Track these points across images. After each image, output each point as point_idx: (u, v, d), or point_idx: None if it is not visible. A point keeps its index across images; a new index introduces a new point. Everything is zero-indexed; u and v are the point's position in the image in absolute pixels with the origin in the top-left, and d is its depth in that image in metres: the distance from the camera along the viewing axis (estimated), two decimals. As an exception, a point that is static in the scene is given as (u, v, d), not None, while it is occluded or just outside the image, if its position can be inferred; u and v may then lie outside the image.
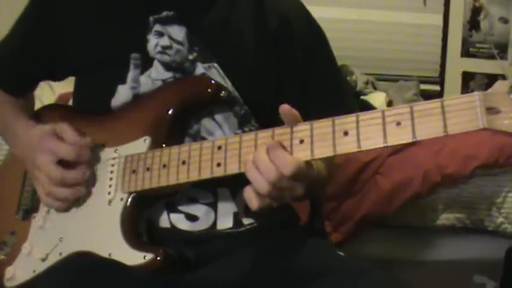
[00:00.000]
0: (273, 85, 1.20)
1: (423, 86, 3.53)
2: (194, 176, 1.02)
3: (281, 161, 0.90)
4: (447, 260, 2.53)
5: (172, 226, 1.15)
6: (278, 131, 0.94)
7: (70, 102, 1.33)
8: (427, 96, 3.38)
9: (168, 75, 1.16)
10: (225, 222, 1.17)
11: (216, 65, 1.17)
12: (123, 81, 1.16)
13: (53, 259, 1.15)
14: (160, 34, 1.16)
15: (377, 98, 3.05)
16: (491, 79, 3.61)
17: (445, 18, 3.69)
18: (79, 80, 1.27)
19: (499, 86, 0.77)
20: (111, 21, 1.19)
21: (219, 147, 0.99)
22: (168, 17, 1.17)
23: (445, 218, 2.50)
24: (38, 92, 1.40)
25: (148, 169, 1.08)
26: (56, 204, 1.15)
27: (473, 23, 3.65)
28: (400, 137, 0.83)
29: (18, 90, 1.31)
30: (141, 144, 1.12)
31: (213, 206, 1.16)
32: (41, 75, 1.31)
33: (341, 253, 1.20)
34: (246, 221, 1.19)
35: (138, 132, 1.13)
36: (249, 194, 0.93)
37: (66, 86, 1.44)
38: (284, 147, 0.91)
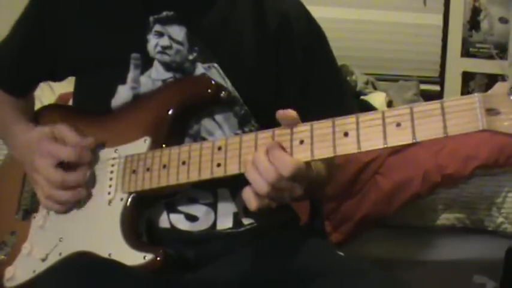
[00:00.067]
0: (273, 85, 1.20)
1: (423, 86, 3.53)
2: (194, 177, 1.02)
3: (280, 162, 0.90)
4: (447, 260, 2.54)
5: (172, 226, 1.15)
6: (278, 131, 0.94)
7: (70, 102, 1.33)
8: (427, 96, 3.38)
9: (168, 75, 1.16)
10: (225, 223, 1.17)
11: (216, 65, 1.17)
12: (123, 82, 1.16)
13: (52, 259, 1.15)
14: (160, 34, 1.17)
15: (377, 98, 3.05)
16: (491, 79, 3.61)
17: (445, 18, 3.69)
18: (79, 80, 1.27)
19: (499, 87, 0.77)
20: (111, 21, 1.19)
21: (219, 148, 0.99)
22: (168, 17, 1.17)
23: (445, 218, 2.50)
24: (38, 92, 1.40)
25: (148, 169, 1.08)
26: (56, 207, 1.15)
27: (473, 23, 3.66)
28: (400, 138, 0.83)
29: (18, 90, 1.31)
30: (141, 145, 1.12)
31: (213, 206, 1.16)
32: (41, 75, 1.31)
33: (341, 253, 1.20)
34: (246, 221, 1.19)
35: (138, 133, 1.13)
36: (247, 194, 0.93)
37: (66, 86, 1.44)
38: (283, 148, 0.91)
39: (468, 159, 2.43)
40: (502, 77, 3.46)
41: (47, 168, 1.13)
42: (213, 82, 1.13)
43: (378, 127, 0.85)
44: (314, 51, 1.23)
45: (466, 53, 3.69)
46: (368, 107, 2.84)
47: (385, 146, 0.84)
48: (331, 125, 0.88)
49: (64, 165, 1.13)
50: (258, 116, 1.19)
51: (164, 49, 1.16)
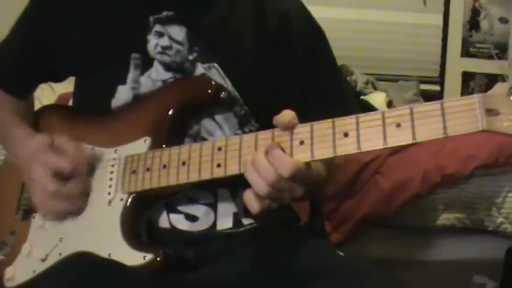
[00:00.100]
0: (273, 85, 1.20)
1: (423, 86, 3.53)
2: (194, 177, 1.02)
3: (280, 162, 0.89)
4: (447, 260, 2.53)
5: (172, 226, 1.15)
6: (278, 132, 0.94)
7: (70, 103, 1.33)
8: (427, 96, 3.38)
9: (168, 75, 1.16)
10: (225, 223, 1.17)
11: (216, 65, 1.17)
12: (123, 82, 1.16)
13: (52, 259, 1.15)
14: (160, 34, 1.16)
15: (377, 98, 3.05)
16: (491, 79, 3.61)
17: (445, 18, 3.69)
18: (79, 80, 1.27)
19: (499, 88, 0.77)
20: (111, 21, 1.19)
21: (219, 148, 0.99)
22: (168, 17, 1.17)
23: (445, 218, 2.50)
24: (38, 92, 1.40)
25: (148, 169, 1.08)
26: (50, 217, 1.15)
27: (473, 23, 3.66)
28: (400, 138, 0.83)
29: (19, 90, 1.31)
30: (141, 145, 1.12)
31: (213, 206, 1.16)
32: (42, 76, 1.31)
33: (341, 253, 1.20)
34: (246, 221, 1.19)
35: (139, 133, 1.13)
36: (248, 197, 0.92)
37: (66, 86, 1.44)
38: (282, 149, 0.91)
39: (468, 159, 2.43)
40: (502, 77, 3.46)
41: (43, 178, 1.12)
42: (213, 82, 1.13)
43: (378, 127, 0.85)
44: (314, 51, 1.23)
45: (466, 53, 3.69)
46: (368, 107, 2.84)
47: (385, 146, 0.84)
48: (331, 125, 0.88)
49: (61, 175, 1.12)
50: (258, 116, 1.19)
51: (164, 49, 1.16)
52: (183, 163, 1.03)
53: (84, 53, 1.19)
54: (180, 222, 1.15)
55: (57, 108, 1.35)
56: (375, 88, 3.33)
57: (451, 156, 2.45)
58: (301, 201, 1.33)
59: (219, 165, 0.99)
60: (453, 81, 3.71)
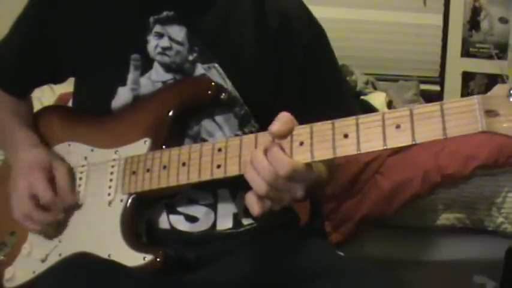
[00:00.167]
0: (273, 85, 1.20)
1: (423, 86, 3.53)
2: (194, 178, 1.02)
3: (278, 161, 0.89)
4: (447, 260, 2.54)
5: (172, 227, 1.15)
6: None
7: (70, 103, 1.33)
8: (427, 96, 3.38)
9: (168, 76, 1.16)
10: (225, 223, 1.17)
11: (216, 65, 1.16)
12: (123, 83, 1.16)
13: (52, 260, 1.15)
14: (160, 35, 1.16)
15: (377, 98, 3.05)
16: (491, 79, 3.61)
17: (445, 18, 3.69)
18: (79, 81, 1.26)
19: (499, 89, 0.77)
20: (111, 22, 1.19)
21: (219, 149, 0.99)
22: (168, 17, 1.17)
23: (445, 218, 2.51)
24: (38, 93, 1.40)
25: (148, 170, 1.08)
26: (21, 222, 1.17)
27: (473, 23, 3.66)
28: (399, 139, 0.83)
29: (19, 90, 1.31)
30: (141, 146, 1.12)
31: (213, 207, 1.16)
32: (42, 76, 1.31)
33: (341, 253, 1.20)
34: (246, 221, 1.19)
35: (138, 134, 1.13)
36: (250, 199, 0.92)
37: (66, 86, 1.44)
38: (282, 148, 0.91)
39: (468, 160, 2.43)
40: (502, 77, 3.46)
41: (23, 194, 1.14)
42: (213, 83, 1.13)
43: (378, 129, 0.85)
44: (315, 51, 1.23)
45: (466, 53, 3.69)
46: (368, 107, 2.85)
47: (385, 147, 0.84)
48: (331, 126, 0.88)
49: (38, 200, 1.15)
50: (259, 116, 1.18)
51: (164, 50, 1.16)
52: (183, 164, 1.03)
53: (84, 54, 1.19)
54: (180, 223, 1.15)
55: (57, 109, 1.35)
56: (375, 88, 3.33)
57: (451, 157, 2.45)
58: (302, 201, 1.33)
59: (219, 166, 0.99)
60: (453, 81, 3.71)
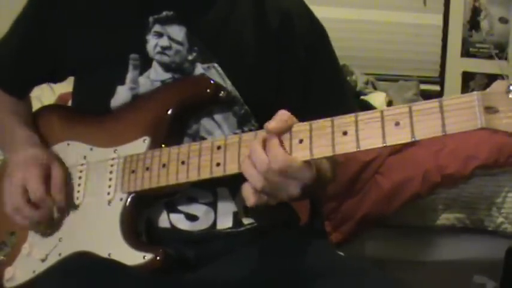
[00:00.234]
0: (274, 84, 1.20)
1: (423, 86, 3.53)
2: (193, 176, 1.02)
3: (272, 153, 0.89)
4: (447, 260, 2.53)
5: (172, 226, 1.15)
6: None
7: (70, 103, 1.33)
8: (427, 96, 3.38)
9: (167, 76, 1.16)
10: (225, 222, 1.17)
11: (216, 65, 1.16)
12: (122, 82, 1.16)
13: (52, 259, 1.15)
14: (160, 35, 1.16)
15: (377, 98, 3.05)
16: (491, 79, 3.61)
17: (445, 18, 3.69)
18: (78, 80, 1.26)
19: (498, 85, 0.77)
20: (111, 21, 1.19)
21: (219, 147, 0.99)
22: (168, 17, 1.17)
23: (445, 218, 2.50)
24: (37, 92, 1.40)
25: (147, 169, 1.08)
26: (10, 215, 1.17)
27: (473, 23, 3.65)
28: (399, 136, 0.83)
29: (18, 90, 1.31)
30: (141, 145, 1.12)
31: (213, 205, 1.16)
32: (41, 75, 1.31)
33: (341, 253, 1.20)
34: (246, 220, 1.19)
35: (138, 133, 1.13)
36: (246, 190, 0.92)
37: (66, 86, 1.44)
38: (281, 141, 0.90)
39: (468, 159, 2.43)
40: (502, 77, 3.46)
41: (16, 188, 1.15)
42: (212, 82, 1.13)
43: (377, 126, 0.85)
44: (316, 51, 1.23)
45: (466, 53, 3.69)
46: (368, 107, 2.85)
47: (384, 144, 0.84)
48: (330, 124, 0.88)
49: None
50: (259, 115, 1.18)
51: (163, 49, 1.16)
52: (183, 162, 1.03)
53: (83, 53, 1.19)
54: (180, 221, 1.15)
55: (56, 108, 1.35)
56: (375, 88, 3.33)
57: (451, 156, 2.45)
58: (302, 200, 1.33)
59: (218, 164, 0.99)
60: (453, 81, 3.71)
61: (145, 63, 1.16)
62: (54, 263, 1.15)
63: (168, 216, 1.15)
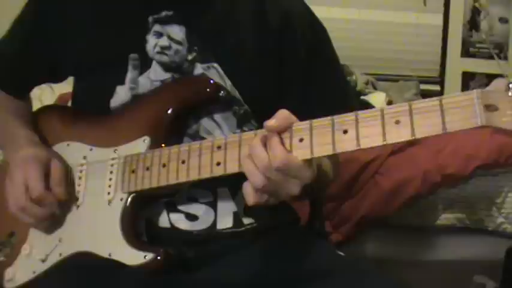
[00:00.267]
0: (274, 84, 1.19)
1: (423, 86, 3.53)
2: (194, 175, 1.02)
3: (272, 151, 0.88)
4: (447, 260, 2.53)
5: (172, 226, 1.15)
6: None
7: (70, 103, 1.33)
8: (427, 96, 3.35)
9: (166, 75, 1.16)
10: (225, 222, 1.17)
11: (215, 65, 1.16)
12: (122, 82, 1.16)
13: (52, 260, 1.15)
14: (159, 34, 1.16)
15: (377, 98, 3.05)
16: (491, 79, 3.59)
17: (445, 18, 3.69)
18: (78, 80, 1.26)
19: (497, 83, 0.77)
20: (110, 21, 1.19)
21: (219, 147, 0.99)
22: (168, 16, 1.17)
23: (445, 218, 2.50)
24: (38, 92, 1.40)
25: (147, 169, 1.08)
26: (17, 216, 1.17)
27: (473, 23, 3.66)
28: (399, 134, 0.83)
29: (18, 90, 1.31)
30: (141, 144, 1.12)
31: (213, 205, 1.16)
32: (41, 75, 1.31)
33: (341, 253, 1.20)
34: (246, 220, 1.19)
35: (138, 132, 1.13)
36: (246, 189, 0.92)
37: (66, 86, 1.44)
38: (281, 139, 0.90)
39: (468, 159, 2.43)
40: (502, 77, 3.46)
41: (18, 187, 1.14)
42: (211, 82, 1.13)
43: (377, 124, 0.85)
44: (317, 50, 1.22)
45: (466, 53, 3.69)
46: (368, 107, 2.84)
47: (385, 142, 0.84)
48: (331, 122, 0.88)
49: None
50: (259, 115, 1.18)
51: (163, 49, 1.16)
52: (183, 162, 1.03)
53: (82, 53, 1.19)
54: (180, 221, 1.15)
55: (56, 108, 1.36)
56: (375, 88, 3.33)
57: (451, 156, 2.45)
58: (302, 200, 1.33)
59: (218, 164, 0.98)
60: (453, 81, 3.71)
61: (145, 63, 1.16)
62: (54, 263, 1.15)
63: (168, 216, 1.15)
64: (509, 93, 0.76)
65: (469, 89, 3.56)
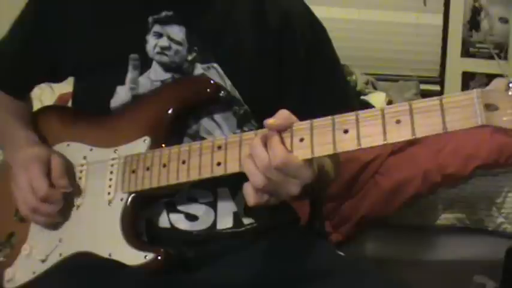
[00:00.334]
0: (274, 84, 1.19)
1: (423, 86, 3.54)
2: (194, 175, 1.02)
3: (272, 151, 0.88)
4: (447, 260, 2.54)
5: (172, 226, 1.15)
6: None
7: (70, 103, 1.33)
8: (427, 96, 3.35)
9: (167, 76, 1.16)
10: (225, 222, 1.17)
11: (215, 65, 1.16)
12: (122, 83, 1.16)
13: (52, 260, 1.15)
14: (159, 35, 1.16)
15: (377, 98, 3.06)
16: (491, 79, 3.59)
17: (445, 18, 3.70)
18: (78, 80, 1.26)
19: (497, 83, 0.78)
20: (110, 21, 1.19)
21: (219, 147, 0.99)
22: (168, 17, 1.17)
23: (445, 218, 2.51)
24: (38, 92, 1.40)
25: (148, 169, 1.08)
26: (30, 218, 1.17)
27: (473, 23, 3.66)
28: (399, 134, 0.83)
29: (18, 90, 1.31)
30: (141, 145, 1.12)
31: (213, 205, 1.16)
32: (41, 76, 1.31)
33: (341, 253, 1.20)
34: (246, 220, 1.19)
35: (138, 133, 1.13)
36: (247, 190, 0.92)
37: (66, 86, 1.44)
38: (282, 138, 0.90)
39: (468, 159, 2.43)
40: (502, 77, 3.46)
41: (25, 190, 1.14)
42: (212, 82, 1.13)
43: (378, 123, 0.85)
44: (316, 50, 1.22)
45: (466, 53, 3.69)
46: (368, 107, 2.84)
47: (385, 142, 0.84)
48: (331, 122, 0.88)
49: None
50: (259, 115, 1.18)
51: (163, 50, 1.16)
52: (183, 162, 1.03)
53: (82, 53, 1.19)
54: (180, 221, 1.15)
55: (55, 109, 1.35)
56: (375, 88, 3.34)
57: (451, 156, 2.45)
58: (303, 200, 1.33)
59: (219, 164, 0.98)
60: (453, 81, 3.71)
61: (145, 64, 1.16)
62: (54, 263, 1.14)
63: (168, 216, 1.15)
64: (509, 93, 0.76)
65: (469, 89, 3.56)
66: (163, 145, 1.09)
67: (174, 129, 1.13)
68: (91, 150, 1.18)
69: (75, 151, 1.20)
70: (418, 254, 2.56)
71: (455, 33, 3.68)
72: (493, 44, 3.63)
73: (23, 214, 1.16)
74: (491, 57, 3.63)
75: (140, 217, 1.12)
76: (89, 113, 1.22)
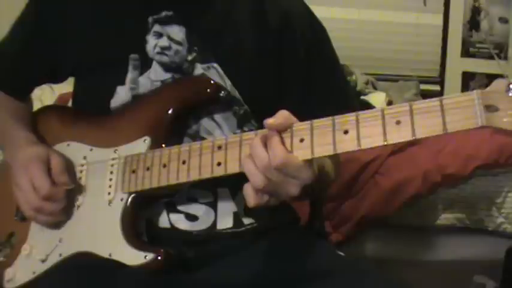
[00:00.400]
0: (274, 84, 1.19)
1: (423, 86, 3.54)
2: (194, 176, 1.02)
3: (272, 151, 0.88)
4: (447, 260, 2.54)
5: (172, 226, 1.15)
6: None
7: (70, 103, 1.33)
8: (427, 96, 3.36)
9: (167, 76, 1.16)
10: (225, 222, 1.17)
11: (215, 65, 1.16)
12: (122, 83, 1.16)
13: (53, 260, 1.15)
14: (159, 35, 1.16)
15: (377, 98, 3.06)
16: (491, 79, 3.59)
17: (445, 18, 3.70)
18: (78, 80, 1.26)
19: (497, 84, 0.78)
20: (110, 21, 1.19)
21: (219, 147, 0.99)
22: (168, 17, 1.17)
23: (445, 218, 2.51)
24: (38, 92, 1.40)
25: (148, 169, 1.08)
26: (34, 217, 1.16)
27: (473, 23, 3.66)
28: (399, 134, 0.83)
29: (19, 91, 1.31)
30: (141, 145, 1.12)
31: (213, 205, 1.16)
32: (42, 76, 1.31)
33: (341, 253, 1.20)
34: (246, 221, 1.19)
35: (138, 133, 1.13)
36: (247, 190, 0.92)
37: (66, 86, 1.44)
38: (281, 138, 0.90)
39: (468, 159, 2.43)
40: (502, 77, 3.46)
41: (27, 190, 1.13)
42: (212, 82, 1.13)
43: (378, 124, 0.85)
44: (316, 50, 1.22)
45: (466, 53, 3.69)
46: (368, 107, 2.84)
47: (385, 143, 0.84)
48: (331, 123, 0.88)
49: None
50: (259, 115, 1.18)
51: (163, 50, 1.16)
52: (183, 162, 1.03)
53: (83, 54, 1.19)
54: (180, 221, 1.15)
55: (55, 109, 1.35)
56: (375, 88, 3.34)
57: (451, 156, 2.45)
58: (303, 201, 1.33)
59: (219, 164, 0.98)
60: (453, 81, 3.71)
61: (145, 64, 1.16)
62: (54, 263, 1.14)
63: (168, 216, 1.15)
64: (510, 94, 0.76)
65: (469, 89, 3.58)
66: (163, 145, 1.09)
67: (174, 129, 1.13)
68: (91, 150, 1.18)
69: (75, 151, 1.20)
70: (418, 254, 2.56)
71: (455, 33, 3.68)
72: (493, 44, 3.63)
73: (26, 214, 1.16)
74: (491, 57, 3.63)
75: (140, 217, 1.12)
76: (89, 113, 1.22)
